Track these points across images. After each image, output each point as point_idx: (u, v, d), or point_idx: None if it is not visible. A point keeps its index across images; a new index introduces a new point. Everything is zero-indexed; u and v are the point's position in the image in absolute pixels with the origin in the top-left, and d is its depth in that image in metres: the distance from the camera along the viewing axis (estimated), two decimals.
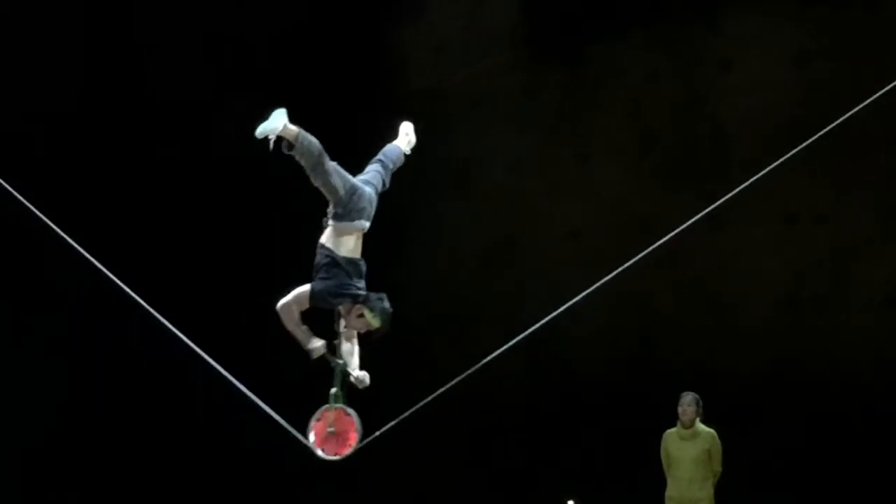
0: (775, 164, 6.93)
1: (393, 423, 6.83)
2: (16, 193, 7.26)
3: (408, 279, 12.24)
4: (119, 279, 7.15)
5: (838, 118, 11.81)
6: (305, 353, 6.62)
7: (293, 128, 6.43)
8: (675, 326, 12.24)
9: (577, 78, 12.66)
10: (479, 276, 12.58)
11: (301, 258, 6.94)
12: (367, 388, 6.81)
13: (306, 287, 6.56)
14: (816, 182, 11.77)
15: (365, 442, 6.72)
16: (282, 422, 6.80)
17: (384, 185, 6.86)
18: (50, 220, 7.21)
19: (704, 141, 12.42)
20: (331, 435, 6.74)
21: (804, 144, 6.98)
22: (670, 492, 9.83)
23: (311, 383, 6.90)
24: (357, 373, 6.79)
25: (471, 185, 12.66)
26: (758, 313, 12.15)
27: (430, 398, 6.88)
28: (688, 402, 9.79)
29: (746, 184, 7.03)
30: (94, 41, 12.91)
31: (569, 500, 11.42)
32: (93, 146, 12.75)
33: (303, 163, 6.47)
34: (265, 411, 6.83)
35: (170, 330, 7.07)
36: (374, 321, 6.51)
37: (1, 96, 11.98)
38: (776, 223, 12.09)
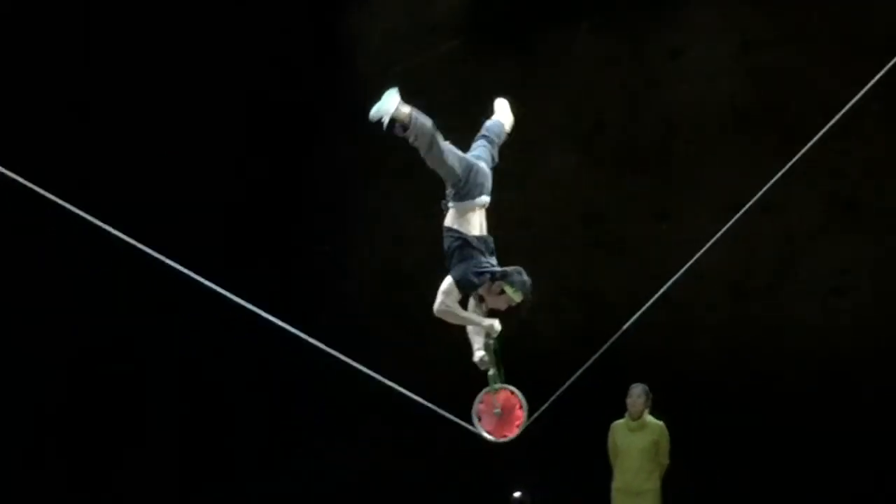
0: (810, 143, 6.87)
1: (553, 397, 6.91)
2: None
3: (355, 267, 12.13)
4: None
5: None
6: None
7: (406, 108, 6.28)
8: (622, 317, 12.20)
9: (525, 65, 12.59)
10: (426, 265, 12.46)
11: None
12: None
13: (448, 280, 6.40)
14: (762, 171, 11.78)
15: (532, 419, 6.64)
16: (443, 412, 6.70)
17: (494, 159, 6.75)
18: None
19: (654, 128, 12.40)
20: (497, 417, 6.61)
21: (807, 147, 6.96)
22: (617, 483, 9.78)
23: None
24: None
25: (417, 173, 12.53)
26: (705, 303, 12.14)
27: (564, 387, 7.06)
28: (637, 394, 9.75)
29: (788, 165, 6.98)
30: None
31: (515, 491, 11.38)
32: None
33: (417, 145, 6.33)
34: (422, 403, 6.77)
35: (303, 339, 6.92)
36: (515, 296, 6.37)
37: None
38: (722, 212, 12.10)
